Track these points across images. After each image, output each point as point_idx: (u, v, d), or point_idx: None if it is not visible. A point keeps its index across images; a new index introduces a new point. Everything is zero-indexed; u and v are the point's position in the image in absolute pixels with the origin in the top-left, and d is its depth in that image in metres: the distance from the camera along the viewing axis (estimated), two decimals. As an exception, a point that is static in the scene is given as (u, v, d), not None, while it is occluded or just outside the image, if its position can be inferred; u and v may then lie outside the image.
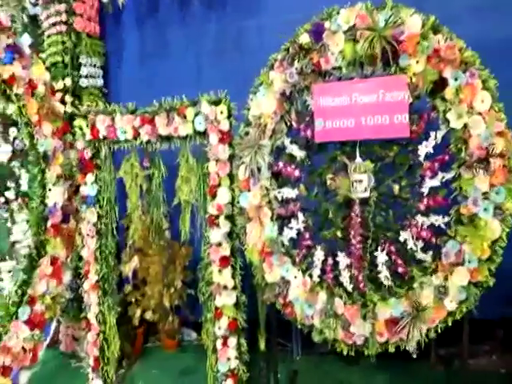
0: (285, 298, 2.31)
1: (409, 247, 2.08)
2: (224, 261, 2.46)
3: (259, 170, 2.26)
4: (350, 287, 2.19)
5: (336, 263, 2.25)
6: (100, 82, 3.60)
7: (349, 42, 2.01)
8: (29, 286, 2.59)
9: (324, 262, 2.27)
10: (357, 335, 2.15)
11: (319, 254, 2.26)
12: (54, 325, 3.00)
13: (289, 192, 2.29)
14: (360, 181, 2.05)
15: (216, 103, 2.39)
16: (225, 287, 2.48)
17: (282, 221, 2.33)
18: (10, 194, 3.29)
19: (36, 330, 2.61)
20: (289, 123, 2.25)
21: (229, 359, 2.55)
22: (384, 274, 2.11)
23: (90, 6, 3.53)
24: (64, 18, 3.36)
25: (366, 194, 2.09)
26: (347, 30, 2.01)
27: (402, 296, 2.05)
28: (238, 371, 2.55)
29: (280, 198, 2.32)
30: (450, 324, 2.00)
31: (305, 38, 2.09)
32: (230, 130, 2.40)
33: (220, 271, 2.47)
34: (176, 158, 2.55)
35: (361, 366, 3.04)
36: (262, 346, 2.91)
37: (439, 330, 2.01)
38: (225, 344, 2.52)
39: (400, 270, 2.10)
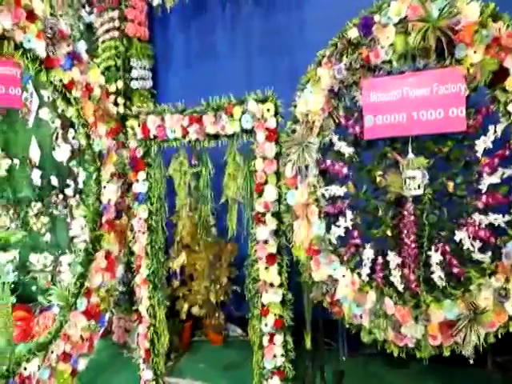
0: (332, 297, 2.28)
1: (465, 247, 1.99)
2: (270, 258, 2.47)
3: (306, 167, 2.25)
4: (400, 287, 2.13)
5: (386, 262, 2.19)
6: (149, 83, 3.73)
7: (400, 35, 1.95)
8: (86, 279, 2.72)
9: (373, 260, 2.22)
10: (408, 337, 2.08)
11: (368, 253, 2.21)
12: (107, 316, 3.14)
13: (337, 189, 2.26)
14: (413, 177, 1.99)
15: (263, 101, 2.40)
16: (271, 285, 2.49)
17: (330, 219, 2.31)
18: (69, 191, 3.49)
19: (92, 321, 2.75)
20: (337, 120, 2.22)
21: (275, 356, 2.56)
22: (438, 275, 2.03)
23: (140, 11, 3.67)
24: (116, 24, 3.51)
25: (420, 192, 2.02)
26: (398, 23, 1.95)
27: (457, 298, 1.96)
28: (284, 369, 2.56)
29: (327, 196, 2.30)
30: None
31: (353, 33, 2.05)
32: (276, 127, 2.40)
33: (266, 268, 2.48)
34: (223, 155, 2.59)
35: (411, 369, 2.95)
36: (308, 344, 2.89)
37: (499, 335, 1.91)
38: (271, 341, 2.53)
39: (455, 270, 2.01)
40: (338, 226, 2.26)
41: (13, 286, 2.63)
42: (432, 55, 1.91)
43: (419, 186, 2.00)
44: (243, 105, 2.44)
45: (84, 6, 4.01)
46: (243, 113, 2.44)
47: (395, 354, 2.15)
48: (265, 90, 2.42)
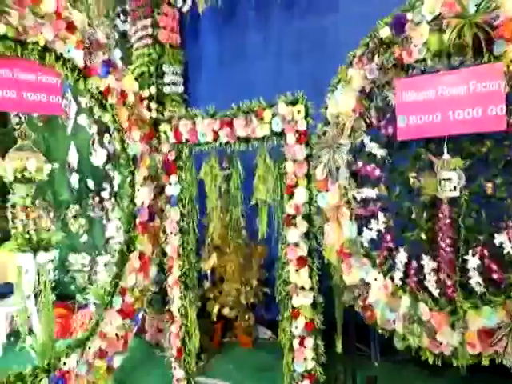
0: (364, 301, 2.24)
1: (505, 251, 1.90)
2: (301, 261, 2.46)
3: (337, 169, 2.23)
4: (436, 292, 2.06)
5: (420, 266, 2.13)
6: (181, 88, 3.82)
7: (434, 33, 1.90)
8: (120, 279, 2.81)
9: (407, 264, 2.16)
10: (444, 344, 2.01)
11: (402, 257, 2.16)
12: (140, 315, 3.22)
13: (368, 192, 2.22)
14: (449, 179, 1.93)
15: (293, 103, 2.40)
16: (302, 287, 2.48)
17: (362, 221, 2.27)
18: (105, 194, 3.63)
19: (127, 319, 2.84)
20: (368, 121, 2.19)
21: (305, 359, 2.54)
22: (476, 280, 1.95)
23: (172, 18, 3.76)
24: (149, 31, 3.62)
25: (456, 194, 1.95)
26: (432, 20, 1.90)
27: (497, 305, 1.88)
28: (314, 372, 2.54)
29: (359, 198, 2.26)
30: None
31: (385, 32, 2.02)
32: (307, 129, 2.40)
33: (297, 271, 2.47)
34: (254, 158, 2.61)
35: (446, 378, 2.85)
36: (339, 348, 2.86)
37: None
38: (302, 344, 2.52)
39: (495, 276, 1.93)
40: (370, 229, 2.22)
41: (53, 284, 2.74)
42: (468, 52, 1.85)
43: (455, 188, 1.94)
44: (273, 108, 2.45)
45: (119, 16, 4.16)
46: (273, 116, 2.45)
47: (430, 362, 2.08)
48: (295, 92, 2.42)
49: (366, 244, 2.25)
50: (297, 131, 2.40)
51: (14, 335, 3.93)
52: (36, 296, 2.62)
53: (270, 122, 2.46)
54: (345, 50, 2.25)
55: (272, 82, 3.67)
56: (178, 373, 3.02)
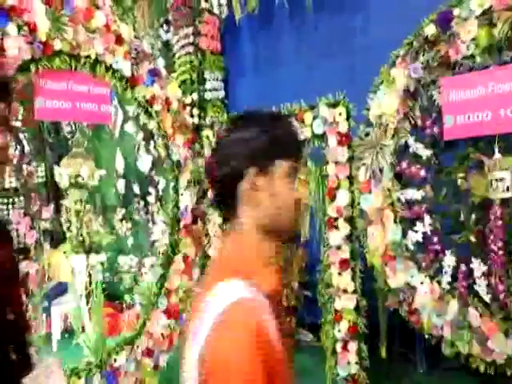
0: (410, 306, 2.19)
1: None
2: (344, 264, 2.44)
3: (381, 171, 2.20)
4: (487, 298, 1.98)
5: (469, 270, 2.06)
6: (222, 94, 3.89)
7: (483, 27, 1.84)
8: (166, 280, 2.91)
9: (455, 268, 2.09)
10: (497, 352, 1.93)
11: (449, 260, 2.09)
12: (184, 316, 3.30)
13: (413, 193, 2.18)
14: (501, 179, 1.85)
15: (334, 105, 2.40)
16: (344, 290, 2.46)
17: (406, 224, 2.22)
18: (151, 198, 3.77)
19: (172, 320, 2.93)
20: (413, 121, 2.15)
21: (349, 363, 2.51)
22: (531, 285, 1.86)
23: (213, 26, 3.86)
24: (191, 39, 3.73)
25: (508, 194, 1.87)
26: (481, 15, 1.84)
27: (555, 311, 1.78)
28: (358, 377, 2.50)
29: (404, 200, 2.22)
30: None
31: (430, 29, 1.97)
32: (348, 131, 2.38)
33: (340, 274, 2.45)
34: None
35: (499, 388, 2.71)
36: (383, 353, 2.80)
37: None
38: (345, 348, 2.49)
39: (552, 281, 1.83)
40: (416, 232, 2.17)
41: (103, 285, 2.88)
42: (521, 46, 1.78)
43: (508, 189, 1.85)
44: (314, 110, 2.46)
45: (162, 26, 4.32)
46: (314, 118, 2.46)
47: (481, 370, 2.00)
48: (336, 94, 2.42)
49: (411, 247, 2.20)
50: (338, 133, 2.39)
51: (67, 332, 4.16)
52: (88, 296, 2.76)
53: (311, 125, 2.47)
54: (385, 49, 2.23)
55: (312, 85, 3.66)
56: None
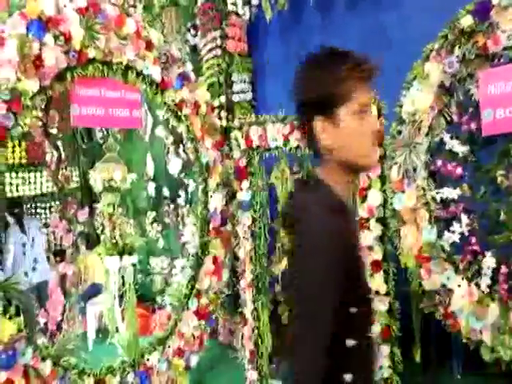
0: (446, 309, 2.12)
1: None
2: (376, 265, 2.38)
3: (414, 169, 2.14)
4: (531, 301, 1.89)
5: (511, 272, 1.96)
6: (249, 95, 3.91)
7: (524, 16, 1.76)
8: (196, 281, 2.94)
9: (495, 270, 2.01)
10: (542, 358, 1.83)
11: (489, 262, 2.01)
12: (214, 317, 3.33)
13: (449, 192, 2.10)
14: (544, 176, 1.76)
15: (364, 104, 2.35)
16: (377, 292, 2.40)
17: (442, 224, 2.15)
18: (181, 201, 3.84)
19: (202, 320, 2.95)
20: (448, 117, 2.08)
21: (381, 367, 2.45)
22: None
23: (239, 28, 3.88)
24: (219, 42, 3.77)
25: (553, 192, 1.78)
26: (523, 2, 1.76)
27: None
28: (391, 381, 2.43)
29: (439, 199, 2.15)
30: None
31: (467, 21, 1.90)
32: (380, 129, 2.33)
33: (372, 275, 2.40)
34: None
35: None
36: (417, 357, 2.71)
37: None
38: (377, 351, 2.43)
39: None
40: (452, 232, 2.10)
41: (136, 286, 2.95)
42: None
43: (553, 186, 1.76)
44: (344, 109, 2.42)
45: (189, 30, 4.38)
46: (344, 117, 2.42)
47: (526, 377, 1.91)
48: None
49: (447, 248, 2.13)
50: (369, 132, 2.34)
51: (101, 332, 4.28)
52: (121, 296, 2.83)
53: (341, 124, 2.43)
54: (414, 45, 2.17)
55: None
56: (252, 374, 3.07)
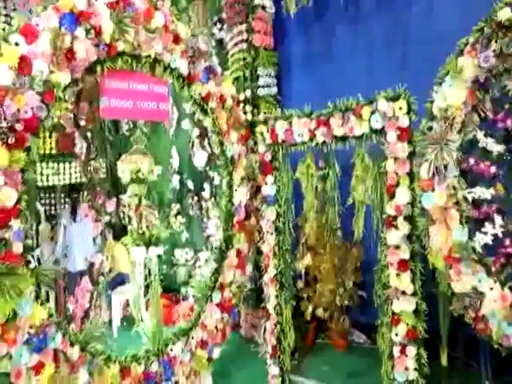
0: (476, 312, 2.05)
1: None
2: (403, 264, 2.33)
3: (445, 167, 2.06)
4: None
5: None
6: (274, 90, 3.88)
7: None
8: (220, 274, 2.95)
9: (530, 274, 1.93)
10: None
11: (524, 265, 1.93)
12: (236, 310, 3.35)
13: (482, 192, 2.03)
14: None
15: (394, 99, 2.29)
16: (403, 292, 2.35)
17: (474, 224, 2.07)
18: (206, 194, 3.86)
19: (225, 313, 2.97)
20: (482, 114, 1.99)
21: (407, 369, 2.40)
22: None
23: (266, 22, 3.84)
24: (244, 36, 3.75)
25: None
26: None
27: None
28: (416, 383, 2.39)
29: (471, 199, 2.07)
30: None
31: (505, 13, 1.81)
32: (409, 126, 2.27)
33: (398, 275, 2.35)
34: (351, 157, 2.55)
35: None
36: (444, 361, 2.65)
37: None
38: (403, 352, 2.39)
39: None
40: (485, 233, 2.02)
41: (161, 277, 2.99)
42: None
43: None
44: (372, 104, 2.37)
45: (215, 24, 4.38)
46: (372, 113, 2.37)
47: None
48: (396, 87, 2.31)
49: (478, 249, 2.05)
50: (398, 128, 2.28)
51: (126, 320, 4.39)
52: (147, 287, 2.88)
53: (369, 120, 2.38)
54: (445, 39, 2.09)
55: (367, 79, 3.55)
56: (273, 369, 3.08)
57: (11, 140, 1.82)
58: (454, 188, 2.07)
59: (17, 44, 1.88)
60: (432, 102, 2.13)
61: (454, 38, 2.06)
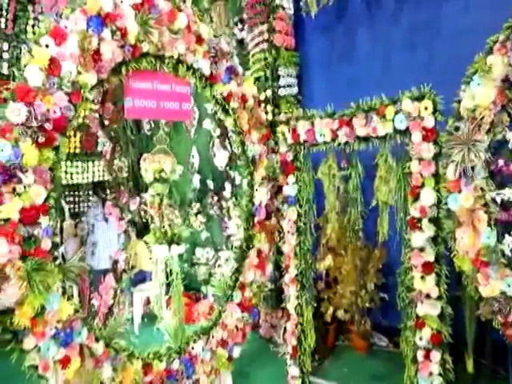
0: (506, 318, 1.99)
1: None
2: (427, 267, 2.29)
3: (473, 168, 2.01)
4: None
5: None
6: (295, 90, 3.86)
7: None
8: (240, 274, 2.96)
9: (562, 279, 1.86)
10: None
11: (556, 270, 1.86)
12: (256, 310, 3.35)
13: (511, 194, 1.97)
14: None
15: (419, 99, 2.25)
16: (428, 296, 2.31)
17: (503, 227, 2.02)
18: (227, 193, 3.87)
19: (245, 313, 2.98)
20: (513, 113, 1.93)
21: (431, 374, 2.35)
22: None
23: (287, 22, 3.83)
24: (266, 36, 3.74)
25: None
26: None
27: None
28: (441, 389, 2.34)
29: (499, 201, 2.01)
30: None
31: (538, 10, 1.76)
32: (435, 126, 2.22)
33: (422, 278, 2.30)
34: (374, 157, 2.51)
35: None
36: (470, 367, 2.58)
37: None
38: (427, 357, 2.34)
39: None
40: (514, 236, 1.97)
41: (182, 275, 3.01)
42: None
43: None
44: (396, 104, 2.33)
45: (236, 24, 4.39)
46: (396, 113, 2.33)
47: None
48: (421, 86, 2.26)
49: (508, 253, 1.99)
50: (423, 128, 2.24)
51: (146, 317, 4.45)
52: (168, 285, 2.91)
53: (393, 120, 2.35)
54: (472, 37, 2.04)
55: (389, 78, 3.50)
56: (293, 370, 3.06)
57: (41, 139, 1.87)
58: (482, 189, 2.02)
59: (47, 46, 1.93)
60: (459, 101, 2.08)
61: (481, 36, 2.01)
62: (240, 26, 4.35)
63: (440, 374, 2.32)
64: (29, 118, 1.82)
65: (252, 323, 3.17)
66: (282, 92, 3.78)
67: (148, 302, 4.45)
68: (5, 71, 4.21)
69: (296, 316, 3.00)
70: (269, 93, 3.75)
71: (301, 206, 2.90)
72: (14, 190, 1.80)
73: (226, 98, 2.85)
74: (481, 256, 2.01)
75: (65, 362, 1.99)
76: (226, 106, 2.88)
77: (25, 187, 1.82)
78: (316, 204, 2.93)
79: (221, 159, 3.68)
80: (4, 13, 4.23)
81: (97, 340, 2.17)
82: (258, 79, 3.83)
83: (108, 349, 2.22)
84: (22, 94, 1.84)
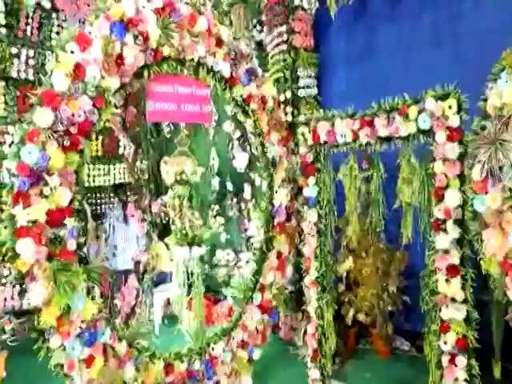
0: (535, 322, 1.93)
1: None
2: (452, 270, 2.23)
3: (501, 169, 1.95)
4: None
5: None
6: (315, 90, 3.84)
7: None
8: (260, 276, 2.96)
9: None
10: None
11: None
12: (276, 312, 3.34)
13: (542, 195, 1.90)
14: None
15: (443, 98, 2.20)
16: (453, 299, 2.25)
17: (532, 229, 1.95)
18: (246, 195, 3.89)
19: (265, 315, 2.97)
20: (543, 112, 1.87)
21: (456, 380, 2.29)
22: None
23: (306, 23, 3.82)
24: (285, 37, 3.74)
25: None
26: None
27: None
28: (467, 396, 2.27)
29: (529, 202, 1.95)
30: None
31: None
32: (460, 125, 2.17)
33: (447, 281, 2.25)
34: (396, 158, 2.47)
35: None
36: (497, 373, 2.51)
37: None
38: (452, 362, 2.28)
39: None
40: (544, 238, 1.89)
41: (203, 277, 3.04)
42: None
43: None
44: (420, 104, 2.29)
45: (255, 26, 4.41)
46: (419, 112, 2.29)
47: None
48: (445, 85, 2.22)
49: (537, 255, 1.92)
50: (448, 128, 2.19)
51: (166, 318, 4.49)
52: (189, 286, 2.94)
53: (416, 120, 2.30)
54: (498, 33, 1.99)
55: (411, 77, 3.43)
56: (314, 373, 3.04)
57: (66, 143, 1.91)
58: (511, 190, 1.96)
59: (72, 52, 1.97)
60: (485, 99, 2.03)
61: (508, 32, 1.95)
62: (259, 27, 4.36)
63: (466, 380, 2.25)
64: (55, 122, 1.88)
65: (272, 326, 3.16)
66: (301, 93, 3.77)
67: (168, 302, 4.50)
68: (30, 77, 4.35)
69: (316, 318, 2.97)
70: (288, 94, 3.74)
71: (321, 208, 2.88)
72: (41, 192, 1.86)
73: (246, 100, 2.86)
74: (509, 259, 1.95)
75: (89, 361, 2.02)
76: (246, 108, 2.89)
77: (51, 190, 1.88)
78: (336, 206, 2.90)
79: (240, 161, 3.70)
80: (30, 21, 4.36)
81: (120, 340, 2.20)
82: (277, 80, 3.83)
83: (131, 349, 2.26)
84: (49, 99, 1.89)
